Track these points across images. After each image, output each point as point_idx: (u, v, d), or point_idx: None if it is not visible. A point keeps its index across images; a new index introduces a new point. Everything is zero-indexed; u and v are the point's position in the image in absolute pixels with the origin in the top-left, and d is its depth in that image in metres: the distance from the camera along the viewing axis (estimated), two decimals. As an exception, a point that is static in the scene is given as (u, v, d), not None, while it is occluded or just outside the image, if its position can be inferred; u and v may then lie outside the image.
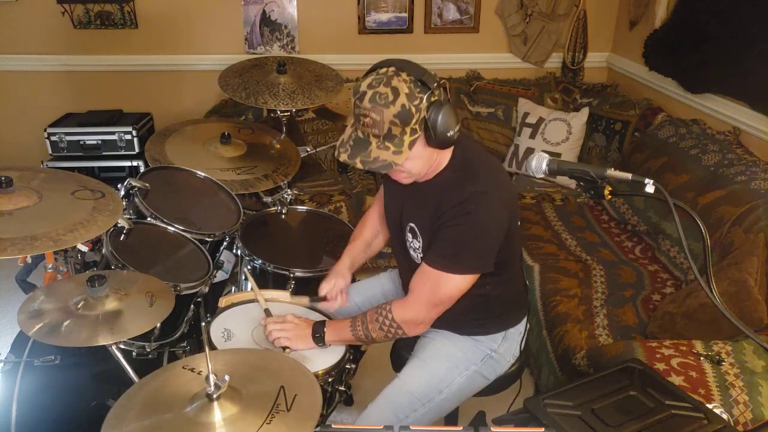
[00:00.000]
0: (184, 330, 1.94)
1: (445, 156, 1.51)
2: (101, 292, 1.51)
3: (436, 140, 1.38)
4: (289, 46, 3.63)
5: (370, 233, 1.89)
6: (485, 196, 1.45)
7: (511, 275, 1.68)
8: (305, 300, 1.82)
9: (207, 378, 1.11)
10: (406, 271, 1.66)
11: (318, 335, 1.60)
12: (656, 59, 3.32)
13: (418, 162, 1.44)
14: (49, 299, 1.54)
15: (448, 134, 1.38)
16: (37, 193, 1.64)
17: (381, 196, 1.87)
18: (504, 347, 1.71)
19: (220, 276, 2.26)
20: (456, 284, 1.50)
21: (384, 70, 1.39)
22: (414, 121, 1.36)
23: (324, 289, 1.77)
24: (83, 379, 1.82)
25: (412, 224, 1.58)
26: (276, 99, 2.51)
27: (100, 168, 3.33)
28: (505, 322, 1.71)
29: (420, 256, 1.58)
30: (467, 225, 1.44)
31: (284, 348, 1.56)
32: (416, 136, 1.38)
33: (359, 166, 1.39)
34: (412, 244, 1.61)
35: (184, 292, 1.82)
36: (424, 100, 1.35)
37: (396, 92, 1.34)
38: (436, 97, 1.37)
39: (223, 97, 3.49)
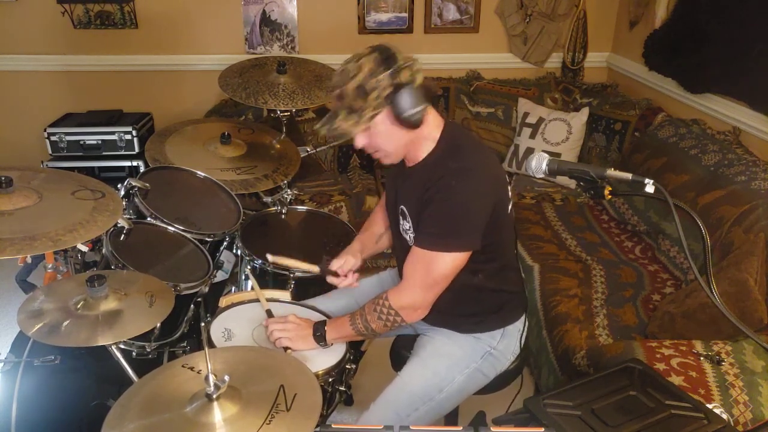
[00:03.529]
0: (184, 330, 1.94)
1: (430, 138, 1.56)
2: (101, 292, 1.51)
3: (401, 118, 1.45)
4: (289, 46, 3.63)
5: (379, 227, 1.91)
6: (467, 171, 1.49)
7: (504, 266, 1.69)
8: (316, 268, 1.82)
9: (206, 378, 1.11)
10: (402, 256, 1.67)
11: (319, 334, 1.60)
12: (656, 59, 3.32)
13: (386, 139, 1.52)
14: (49, 299, 1.54)
15: (408, 113, 1.45)
16: (37, 193, 1.64)
17: None
18: (503, 344, 1.71)
19: (220, 276, 2.26)
20: (447, 263, 1.52)
21: (363, 51, 1.48)
22: (375, 96, 1.43)
23: (335, 264, 1.79)
24: (83, 379, 1.82)
25: (402, 206, 1.62)
26: (276, 99, 2.51)
27: (100, 168, 3.33)
28: (503, 319, 1.71)
29: (411, 237, 1.60)
30: (449, 200, 1.48)
31: (286, 348, 1.56)
32: (378, 111, 1.45)
33: (323, 133, 1.51)
34: (403, 226, 1.63)
35: (184, 292, 1.82)
36: (386, 78, 1.42)
37: (359, 68, 1.43)
38: (402, 79, 1.44)
39: (223, 97, 3.49)
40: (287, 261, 1.84)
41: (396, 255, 1.79)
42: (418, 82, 1.46)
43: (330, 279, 1.79)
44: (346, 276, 1.78)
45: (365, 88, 1.43)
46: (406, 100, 1.44)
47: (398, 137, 1.51)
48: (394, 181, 1.71)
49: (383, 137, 1.51)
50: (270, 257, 1.83)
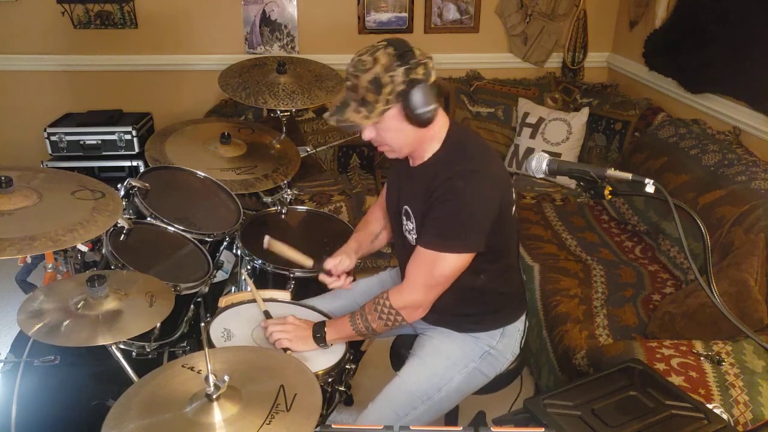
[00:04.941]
0: (184, 330, 1.94)
1: (436, 138, 1.55)
2: (101, 292, 1.51)
3: (412, 115, 1.44)
4: (289, 46, 3.63)
5: (376, 226, 1.91)
6: (474, 174, 1.48)
7: (507, 267, 1.69)
8: (310, 263, 1.81)
9: (206, 378, 1.11)
10: (404, 257, 1.66)
11: (319, 335, 1.60)
12: (656, 59, 3.32)
13: (395, 135, 1.50)
14: (49, 299, 1.54)
15: (420, 111, 1.44)
16: (37, 193, 1.64)
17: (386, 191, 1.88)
18: (503, 344, 1.71)
19: (220, 276, 2.26)
20: (450, 264, 1.51)
21: (379, 43, 1.47)
22: (388, 91, 1.42)
23: (330, 263, 1.78)
24: (83, 379, 1.82)
25: (406, 206, 1.62)
26: (276, 99, 2.51)
27: (100, 168, 3.33)
28: (502, 319, 1.72)
29: (414, 237, 1.60)
30: (456, 201, 1.47)
31: (285, 349, 1.56)
32: (389, 106, 1.44)
33: (333, 123, 1.50)
34: (406, 227, 1.63)
35: (184, 292, 1.82)
36: (400, 74, 1.41)
37: (375, 61, 1.42)
38: (417, 75, 1.43)
39: (223, 97, 3.49)
40: (283, 249, 1.83)
41: (398, 254, 1.78)
42: (432, 80, 1.45)
43: (322, 277, 1.79)
44: (339, 277, 1.78)
45: (380, 81, 1.41)
46: (420, 98, 1.42)
47: (407, 134, 1.50)
48: (397, 181, 1.71)
49: (392, 133, 1.50)
50: (267, 240, 1.81)
